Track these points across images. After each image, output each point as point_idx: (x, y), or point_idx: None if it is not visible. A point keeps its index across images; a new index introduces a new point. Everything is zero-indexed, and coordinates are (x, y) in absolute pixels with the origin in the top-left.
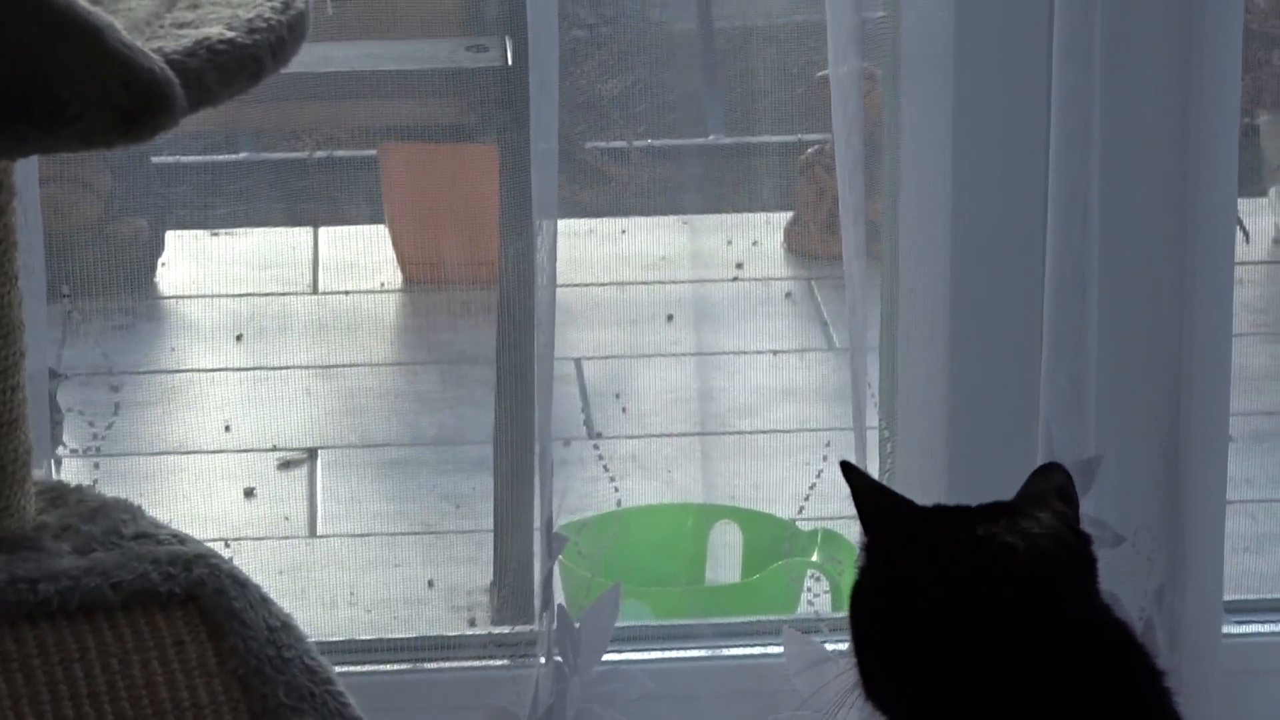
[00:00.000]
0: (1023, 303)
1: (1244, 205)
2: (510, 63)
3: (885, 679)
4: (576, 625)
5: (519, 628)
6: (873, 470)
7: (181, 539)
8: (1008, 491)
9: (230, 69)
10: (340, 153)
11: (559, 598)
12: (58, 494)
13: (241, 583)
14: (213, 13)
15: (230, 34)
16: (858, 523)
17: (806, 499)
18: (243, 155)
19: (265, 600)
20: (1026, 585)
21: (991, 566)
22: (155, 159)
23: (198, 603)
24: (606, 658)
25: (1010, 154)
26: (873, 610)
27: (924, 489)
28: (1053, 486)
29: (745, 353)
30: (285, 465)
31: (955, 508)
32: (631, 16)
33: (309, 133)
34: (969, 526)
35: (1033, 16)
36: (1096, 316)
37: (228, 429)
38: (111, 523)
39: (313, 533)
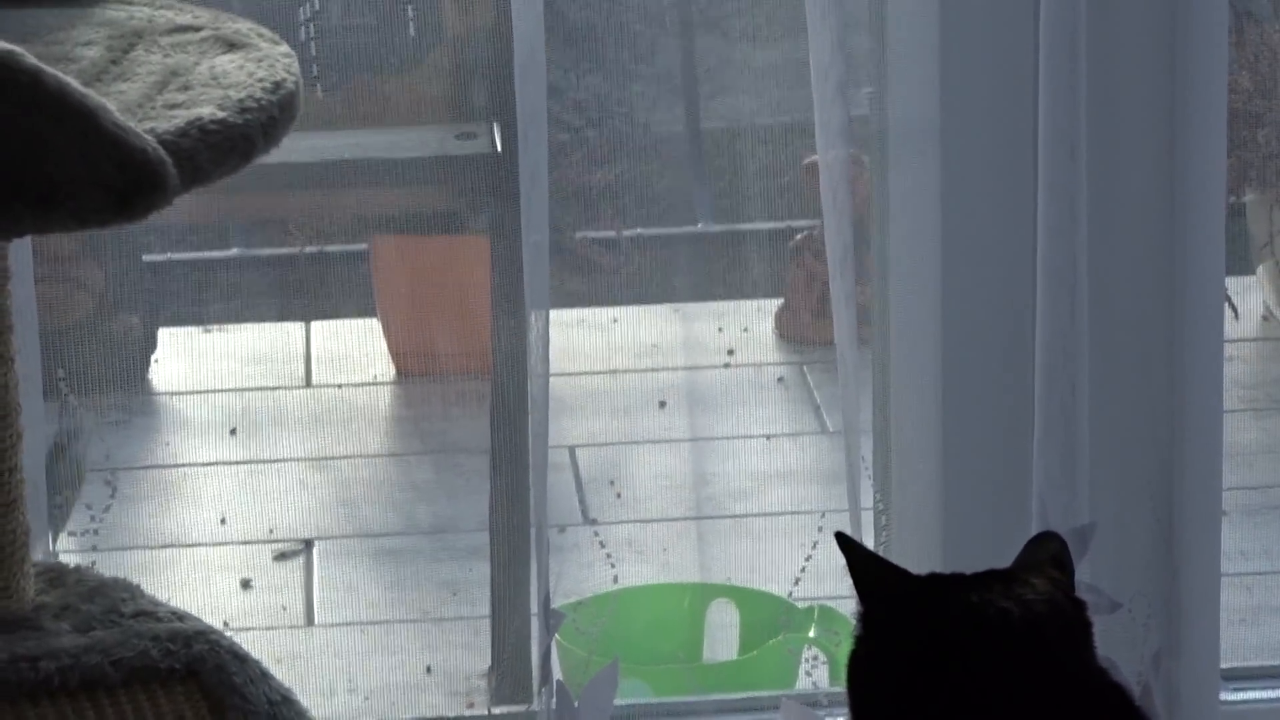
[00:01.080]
0: (1014, 378)
1: (1232, 284)
2: (499, 149)
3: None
4: (575, 703)
5: (517, 707)
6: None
7: (181, 616)
8: (1003, 562)
9: (222, 148)
10: (331, 247)
11: (557, 675)
12: (56, 574)
13: (241, 658)
14: (204, 94)
15: (222, 114)
16: (853, 598)
17: (801, 572)
18: (234, 251)
19: (265, 675)
20: (1022, 649)
21: (986, 632)
22: (147, 256)
23: (198, 678)
24: None
25: (999, 236)
26: (870, 677)
27: (919, 563)
28: (1048, 555)
29: (738, 437)
30: (281, 557)
31: (950, 575)
32: (618, 117)
33: (300, 228)
34: (963, 593)
35: (1018, 104)
36: (1088, 386)
37: (223, 521)
38: (111, 601)
39: (310, 622)
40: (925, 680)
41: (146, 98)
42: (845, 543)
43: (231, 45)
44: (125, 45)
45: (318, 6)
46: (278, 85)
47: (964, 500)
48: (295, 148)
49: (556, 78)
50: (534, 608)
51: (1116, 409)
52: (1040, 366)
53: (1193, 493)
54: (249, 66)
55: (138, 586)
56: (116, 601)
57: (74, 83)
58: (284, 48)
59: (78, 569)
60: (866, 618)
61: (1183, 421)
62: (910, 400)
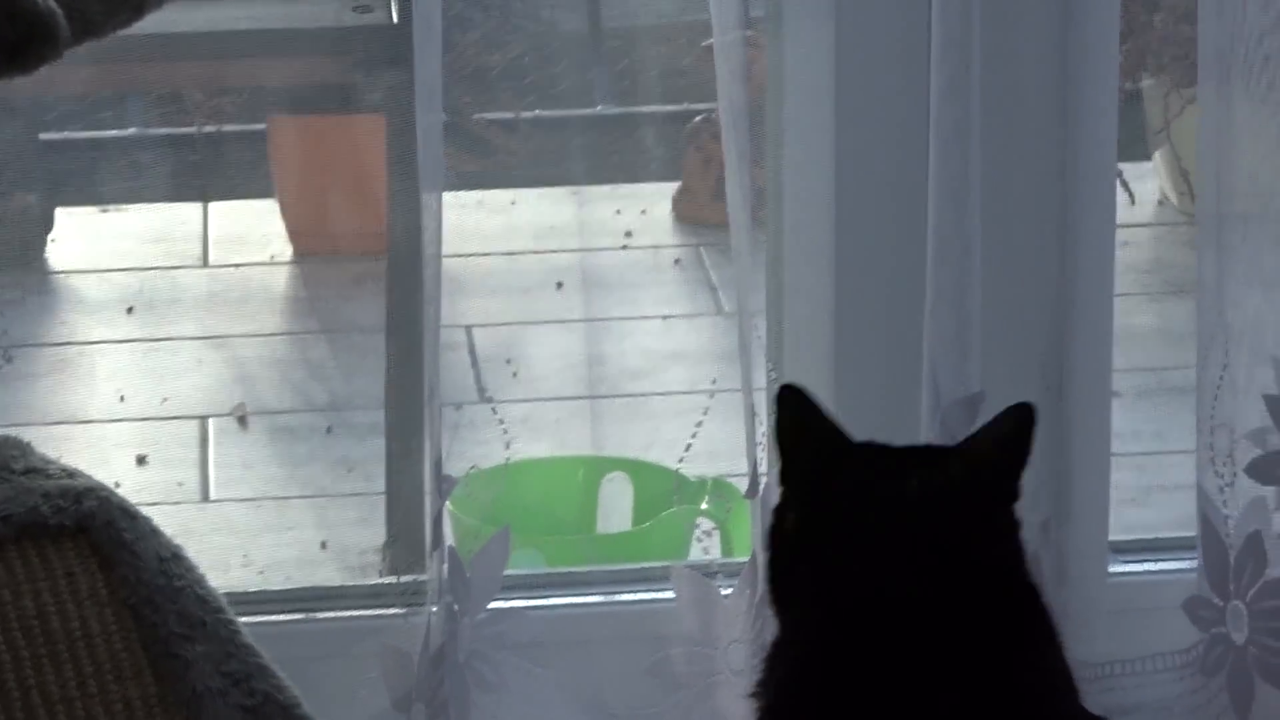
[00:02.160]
0: (907, 255)
1: (1129, 169)
2: (396, 20)
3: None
4: (467, 571)
5: (410, 577)
6: (761, 420)
7: (71, 473)
8: (893, 434)
9: (113, 1)
10: (229, 127)
11: (450, 542)
12: None
13: (131, 515)
14: None
15: None
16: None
17: (686, 450)
18: (131, 131)
19: (155, 531)
20: (914, 534)
21: (884, 512)
22: (43, 135)
23: (88, 534)
24: (498, 603)
25: (892, 109)
26: (786, 546)
27: None
28: (997, 434)
29: (635, 318)
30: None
31: (883, 448)
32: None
33: (198, 106)
34: (882, 472)
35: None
36: (979, 259)
37: (122, 399)
38: (1, 458)
39: (205, 498)
40: (832, 543)
41: None
42: (795, 396)
43: None
44: None
45: None
46: None
47: (856, 373)
48: (192, 19)
49: None
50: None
51: (1009, 281)
52: (933, 237)
53: (1083, 362)
54: None
55: (29, 444)
56: (7, 459)
57: None
58: None
59: None
60: (790, 477)
61: (1073, 294)
62: (804, 277)
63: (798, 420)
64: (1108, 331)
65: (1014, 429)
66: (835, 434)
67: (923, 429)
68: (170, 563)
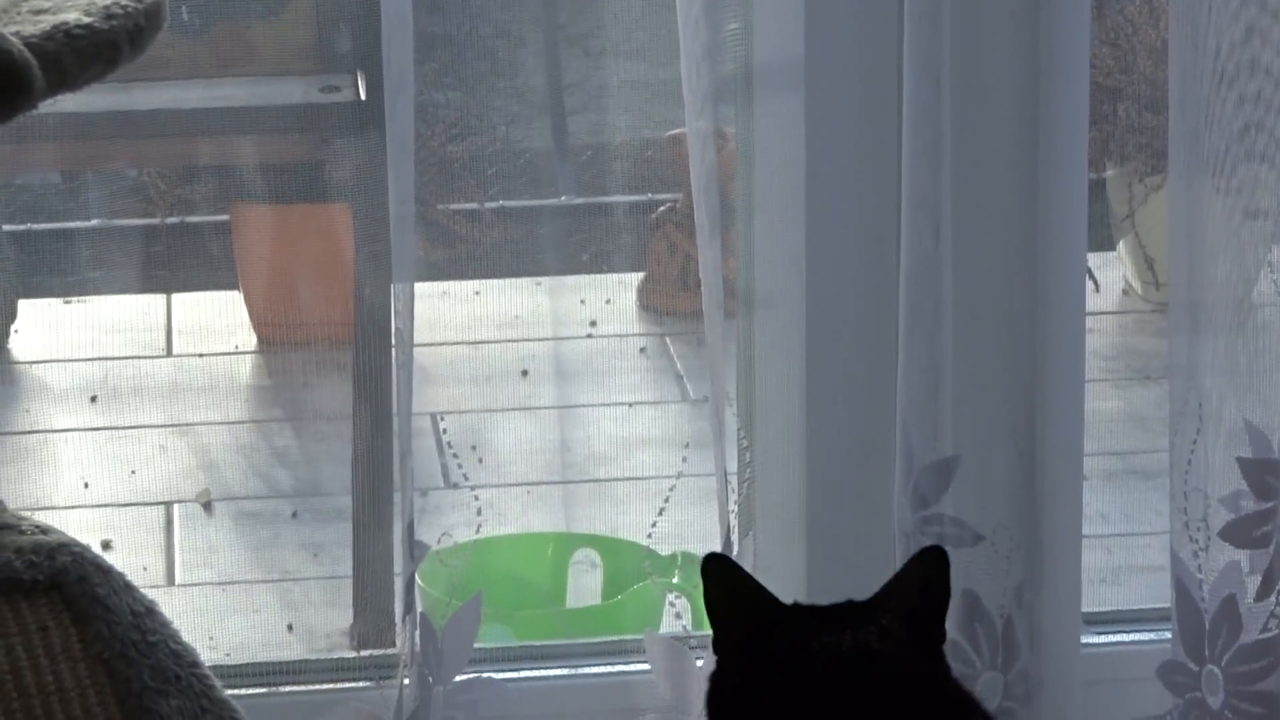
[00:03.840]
0: (877, 328)
1: (1093, 259)
2: (363, 97)
3: None
4: (439, 640)
5: (381, 650)
6: (734, 489)
7: (44, 529)
8: (865, 505)
9: (88, 53)
10: (192, 218)
11: (420, 608)
12: None
13: (105, 570)
14: (69, 1)
15: (88, 20)
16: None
17: (653, 527)
18: (94, 222)
19: (129, 586)
20: (855, 698)
21: (824, 676)
22: (7, 226)
23: (61, 589)
24: (471, 673)
25: (862, 189)
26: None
27: (784, 510)
28: (917, 580)
29: (600, 405)
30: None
31: (810, 609)
32: (482, 79)
33: (161, 196)
34: (814, 631)
35: (883, 76)
36: (951, 319)
37: (86, 485)
38: None
39: (171, 582)
40: (774, 713)
41: (12, 4)
42: (718, 566)
43: None
44: None
45: None
46: None
47: (828, 440)
48: (158, 98)
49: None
50: (397, 537)
51: (981, 334)
52: (904, 306)
53: (1056, 425)
54: None
55: (1, 501)
56: None
57: None
58: None
59: None
60: (724, 645)
61: (1046, 343)
62: (775, 348)
63: (725, 588)
64: (1079, 384)
65: (934, 572)
66: (763, 597)
67: (895, 494)
68: (144, 617)
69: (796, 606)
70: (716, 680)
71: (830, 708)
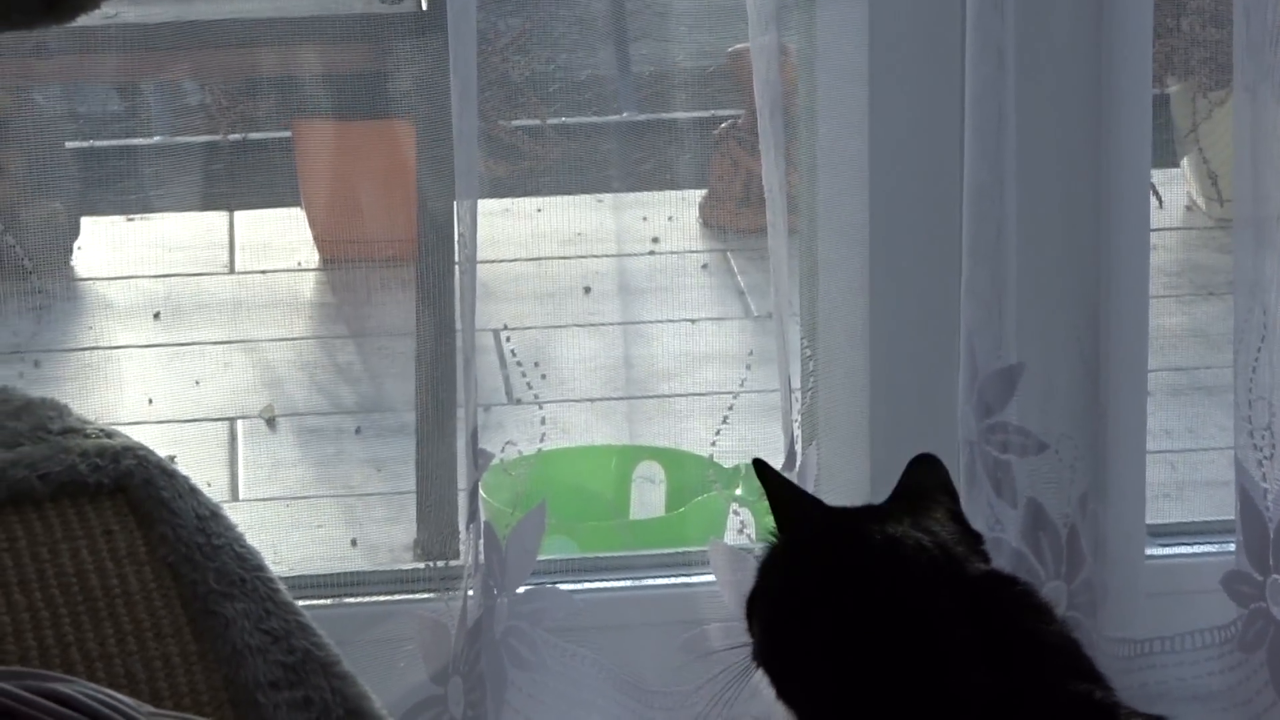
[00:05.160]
0: (941, 238)
1: (1156, 175)
2: (425, 8)
3: (798, 675)
4: (503, 549)
5: (444, 562)
6: (798, 397)
7: (109, 433)
8: (929, 410)
9: None
10: (254, 135)
11: (484, 518)
12: None
13: (170, 473)
14: None
15: None
16: None
17: (713, 445)
18: (156, 139)
19: (194, 490)
20: (939, 577)
21: (906, 564)
22: (69, 144)
23: (126, 493)
24: (534, 583)
25: (926, 105)
26: (790, 605)
27: (849, 408)
28: (937, 481)
29: (663, 321)
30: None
31: (863, 509)
32: (543, 2)
33: (222, 112)
34: (879, 526)
35: None
36: (1015, 227)
37: (150, 401)
38: (38, 419)
39: (235, 497)
40: (847, 611)
41: None
42: (764, 471)
43: None
44: None
45: None
46: None
47: (891, 348)
48: (219, 8)
49: None
50: (461, 449)
51: (1045, 239)
52: (968, 213)
53: (1120, 335)
54: None
55: (65, 406)
56: (44, 419)
57: None
58: None
59: (4, 389)
60: (785, 546)
61: (1110, 251)
62: (838, 255)
63: (782, 487)
64: (1144, 293)
65: (946, 477)
66: (815, 501)
67: (959, 403)
68: (209, 521)
69: (848, 509)
70: (771, 574)
71: (916, 595)
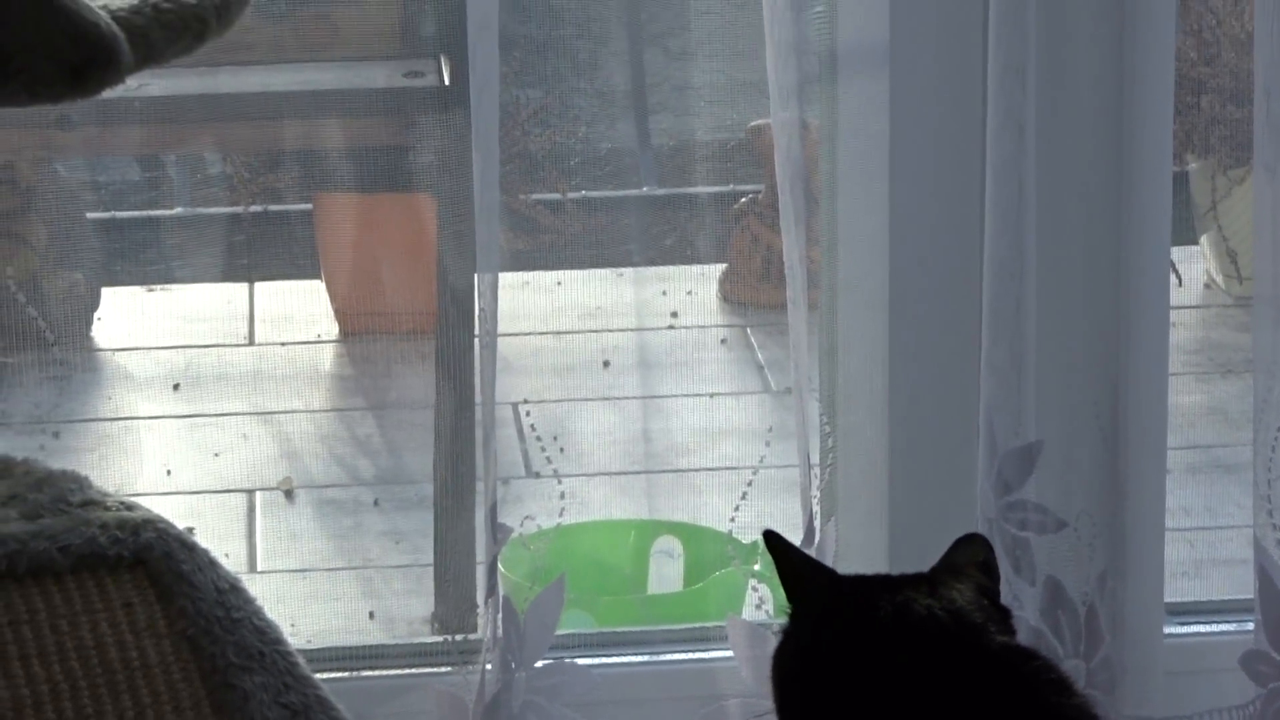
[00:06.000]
0: (962, 293)
1: (1175, 253)
2: (447, 83)
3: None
4: (521, 623)
5: (462, 635)
6: (814, 471)
7: (130, 506)
8: (949, 494)
9: (175, 27)
10: (275, 207)
11: (502, 592)
12: (4, 467)
13: (189, 546)
14: None
15: None
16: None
17: (732, 520)
18: (178, 210)
19: (214, 563)
20: (945, 649)
21: (913, 632)
22: (91, 214)
23: (146, 566)
24: (552, 658)
25: (947, 176)
26: (798, 675)
27: (867, 498)
28: (973, 559)
29: (682, 396)
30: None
31: (876, 577)
32: (564, 76)
33: (245, 184)
34: (890, 595)
35: (967, 59)
36: (1035, 303)
37: (169, 473)
38: (59, 491)
39: (253, 569)
40: (853, 677)
41: None
42: (774, 542)
43: None
44: None
45: None
46: None
47: (911, 424)
48: (245, 81)
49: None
50: (479, 522)
51: (1065, 317)
52: (988, 290)
53: (1139, 413)
54: None
55: (86, 478)
56: (65, 491)
57: None
58: None
59: (25, 461)
60: (795, 617)
61: (1130, 331)
62: (858, 330)
63: (794, 558)
64: (1163, 377)
65: (989, 555)
66: (827, 571)
67: (979, 480)
68: (229, 594)
69: (862, 576)
70: (785, 653)
71: (929, 663)
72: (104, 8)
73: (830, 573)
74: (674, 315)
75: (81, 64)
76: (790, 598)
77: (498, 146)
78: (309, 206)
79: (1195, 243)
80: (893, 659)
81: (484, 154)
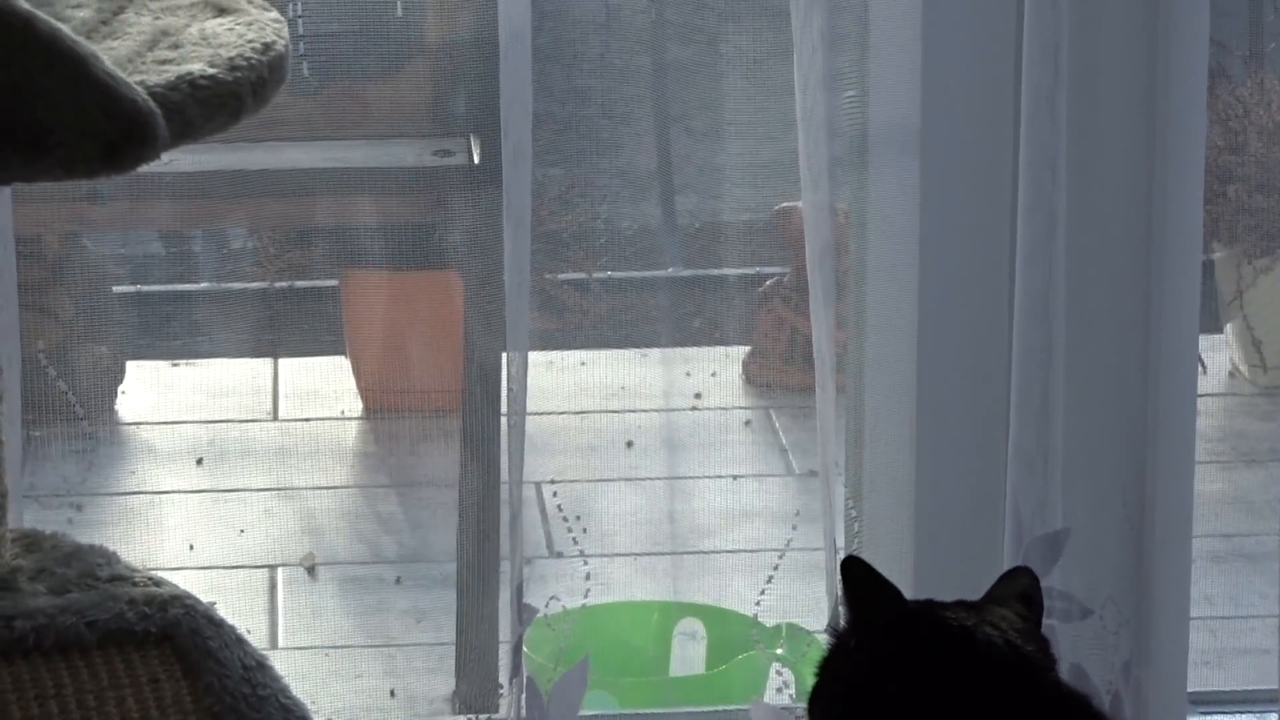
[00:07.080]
0: (989, 380)
1: (1200, 342)
2: (477, 161)
3: None
4: (545, 703)
5: (485, 716)
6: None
7: (157, 581)
8: (976, 582)
9: (212, 104)
10: (301, 283)
11: (526, 673)
12: (33, 540)
13: (217, 623)
14: (194, 52)
15: (212, 70)
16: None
17: (758, 604)
18: (204, 285)
19: (240, 640)
20: (996, 675)
21: (973, 653)
22: (117, 288)
23: (173, 642)
24: None
25: (976, 261)
26: (853, 696)
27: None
28: (1016, 591)
29: (706, 477)
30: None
31: (929, 602)
32: (590, 156)
33: (271, 259)
34: (944, 618)
35: (999, 150)
36: (1063, 390)
37: (191, 547)
38: (87, 566)
39: (274, 645)
40: (904, 700)
41: (137, 54)
42: (854, 567)
43: (221, 10)
44: (115, 8)
45: (300, 9)
46: (268, 47)
47: (937, 514)
48: (275, 158)
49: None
50: (504, 602)
51: (1092, 406)
52: (1016, 376)
53: (1166, 501)
54: (239, 29)
55: (114, 553)
56: (93, 566)
57: (66, 29)
58: (274, 13)
59: (54, 535)
60: (860, 638)
61: (1156, 419)
62: (885, 419)
63: (872, 580)
64: (1189, 466)
65: (1034, 588)
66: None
67: (1004, 567)
68: (255, 671)
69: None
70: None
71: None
72: (141, 84)
73: (899, 597)
74: (698, 396)
75: (118, 140)
76: (858, 615)
77: (529, 224)
78: (334, 282)
79: (1220, 331)
80: (945, 682)
81: (515, 228)
